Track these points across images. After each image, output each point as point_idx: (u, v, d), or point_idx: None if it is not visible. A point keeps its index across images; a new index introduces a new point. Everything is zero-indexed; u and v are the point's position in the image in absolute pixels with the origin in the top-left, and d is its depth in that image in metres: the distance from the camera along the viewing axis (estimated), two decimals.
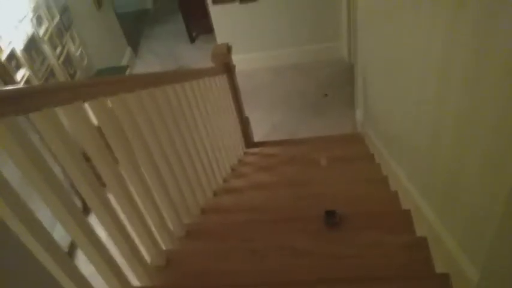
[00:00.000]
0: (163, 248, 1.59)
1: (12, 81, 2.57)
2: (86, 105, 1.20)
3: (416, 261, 1.43)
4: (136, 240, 1.39)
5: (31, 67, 2.83)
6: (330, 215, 1.69)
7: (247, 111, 3.43)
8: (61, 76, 3.29)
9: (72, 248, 2.58)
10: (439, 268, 1.35)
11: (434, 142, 1.39)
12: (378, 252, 1.49)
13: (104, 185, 1.26)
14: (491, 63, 0.91)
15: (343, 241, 1.59)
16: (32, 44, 2.90)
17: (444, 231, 1.32)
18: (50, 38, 3.19)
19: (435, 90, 1.33)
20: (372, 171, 2.43)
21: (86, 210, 1.69)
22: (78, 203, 2.24)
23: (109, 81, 1.36)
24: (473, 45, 0.99)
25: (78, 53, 3.68)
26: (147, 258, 1.47)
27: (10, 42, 2.65)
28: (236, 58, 3.13)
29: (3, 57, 2.53)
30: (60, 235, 1.73)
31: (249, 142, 3.47)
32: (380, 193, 2.08)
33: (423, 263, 1.41)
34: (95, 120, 1.26)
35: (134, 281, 1.39)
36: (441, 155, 1.32)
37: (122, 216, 1.31)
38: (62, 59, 3.32)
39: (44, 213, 1.07)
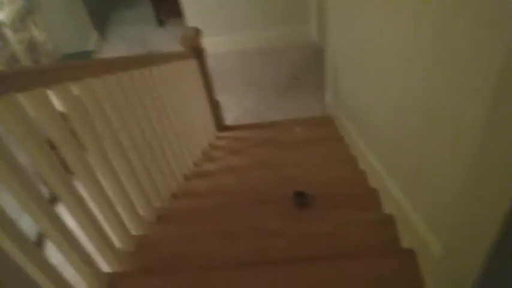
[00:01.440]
0: (134, 233, 1.58)
1: None
2: (50, 92, 1.17)
3: (384, 238, 1.47)
4: (106, 227, 1.38)
5: None
6: (299, 195, 1.72)
7: (218, 95, 3.41)
8: (25, 62, 3.18)
9: (41, 237, 2.54)
10: (406, 244, 1.39)
11: (400, 123, 1.42)
12: (348, 230, 1.53)
13: (71, 172, 1.24)
14: (453, 45, 0.94)
15: (314, 221, 1.62)
16: None
17: (410, 209, 1.37)
18: (12, 23, 3.08)
19: (400, 72, 1.36)
20: (342, 152, 2.47)
21: (54, 198, 1.67)
22: (46, 192, 2.20)
23: (73, 65, 1.33)
24: (438, 26, 1.02)
25: (42, 38, 3.57)
26: (117, 243, 1.46)
27: None
28: (206, 41, 3.09)
29: None
30: (28, 224, 1.70)
31: (220, 126, 3.46)
32: (349, 173, 2.12)
33: (391, 240, 1.45)
34: (59, 107, 1.23)
35: (105, 266, 1.38)
36: (406, 136, 1.36)
37: (91, 204, 1.30)
38: (25, 44, 3.21)
39: (10, 203, 1.05)
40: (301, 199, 1.71)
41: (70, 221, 1.19)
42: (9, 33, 3.01)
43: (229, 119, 3.66)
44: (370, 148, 1.95)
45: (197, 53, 2.91)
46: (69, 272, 1.19)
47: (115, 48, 5.04)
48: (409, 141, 1.34)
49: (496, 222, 0.53)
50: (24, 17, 3.29)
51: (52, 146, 1.14)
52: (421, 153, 1.23)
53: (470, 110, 0.87)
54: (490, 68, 0.75)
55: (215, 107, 3.35)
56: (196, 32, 2.85)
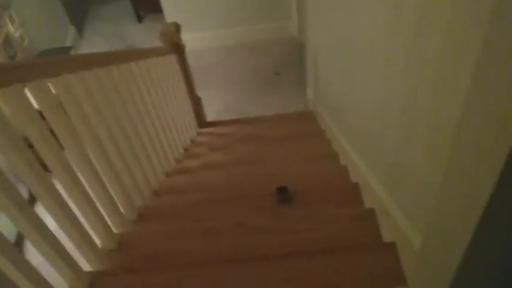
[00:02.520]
0: (115, 231, 1.57)
1: None
2: (26, 89, 1.15)
3: (365, 232, 1.49)
4: (86, 225, 1.36)
5: None
6: (282, 191, 1.72)
7: (199, 91, 3.39)
8: (0, 58, 3.11)
9: (20, 237, 2.49)
10: (387, 238, 1.41)
11: (380, 117, 1.43)
12: (330, 225, 1.54)
13: (48, 171, 1.21)
14: (431, 40, 0.95)
15: (296, 216, 1.63)
16: None
17: (391, 203, 1.38)
18: None
19: (380, 68, 1.37)
20: (324, 147, 2.49)
21: (33, 198, 1.63)
22: (25, 192, 2.16)
23: (49, 61, 1.30)
24: (417, 19, 1.02)
25: (18, 34, 3.49)
26: (98, 242, 1.44)
27: None
28: (186, 37, 3.07)
29: None
30: (6, 225, 1.66)
31: (201, 122, 3.45)
32: (331, 168, 2.14)
33: (372, 234, 1.47)
34: (36, 104, 1.21)
35: (86, 266, 1.36)
36: (387, 131, 1.37)
37: (70, 202, 1.28)
38: (0, 40, 3.13)
39: None
40: (284, 195, 1.71)
41: (49, 221, 1.17)
42: None
43: (210, 115, 3.65)
44: (351, 143, 1.96)
45: (177, 48, 2.89)
46: (49, 271, 1.17)
47: (93, 44, 4.96)
48: (389, 136, 1.35)
49: (474, 216, 0.54)
50: None
51: (29, 145, 1.12)
52: (401, 146, 1.25)
53: (448, 107, 0.88)
54: (467, 64, 0.76)
55: (196, 103, 3.33)
56: (176, 28, 2.83)
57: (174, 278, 1.32)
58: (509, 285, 0.61)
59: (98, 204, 1.44)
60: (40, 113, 1.19)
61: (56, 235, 1.18)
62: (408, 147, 1.19)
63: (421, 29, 0.99)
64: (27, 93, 1.14)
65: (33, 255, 1.17)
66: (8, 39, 3.27)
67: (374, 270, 1.26)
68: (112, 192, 1.56)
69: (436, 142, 0.98)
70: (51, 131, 1.23)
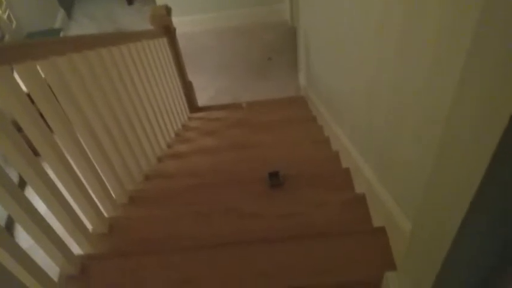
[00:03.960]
0: (106, 215, 1.56)
1: None
2: (15, 72, 1.13)
3: (356, 217, 1.50)
4: (77, 209, 1.35)
5: None
6: (273, 176, 1.73)
7: (190, 76, 3.36)
8: None
9: (10, 221, 2.48)
10: (377, 222, 1.42)
11: (371, 103, 1.43)
12: (321, 209, 1.55)
13: (38, 154, 1.20)
14: (423, 24, 0.94)
15: (288, 201, 1.64)
16: None
17: (381, 188, 1.39)
18: None
19: (372, 54, 1.36)
20: (315, 132, 2.49)
21: (23, 182, 1.62)
22: (14, 176, 2.14)
23: (38, 43, 1.28)
24: (408, 9, 1.02)
25: (5, 16, 3.42)
26: (89, 226, 1.44)
27: None
28: (177, 20, 3.03)
29: None
30: None
31: (193, 107, 3.43)
32: (322, 153, 2.15)
33: (362, 218, 1.48)
34: (24, 87, 1.19)
35: (77, 249, 1.36)
36: (377, 116, 1.37)
37: (60, 186, 1.27)
38: None
39: None
40: (275, 180, 1.72)
41: (40, 205, 1.16)
42: None
43: (202, 100, 3.63)
44: (342, 129, 1.97)
45: (167, 32, 2.86)
46: (40, 256, 1.17)
47: (82, 27, 4.89)
48: (379, 121, 1.35)
49: (464, 202, 0.55)
50: None
51: (18, 128, 1.10)
52: (392, 132, 1.25)
53: (441, 90, 0.88)
54: (457, 55, 0.76)
55: (187, 88, 3.31)
56: (167, 10, 2.80)
57: (166, 261, 1.33)
58: (500, 268, 0.62)
59: (88, 188, 1.44)
60: (29, 97, 1.17)
61: (47, 219, 1.17)
62: (398, 132, 1.19)
63: (415, 6, 0.98)
64: (16, 75, 1.12)
65: (24, 239, 1.17)
66: None
67: (363, 255, 1.28)
68: (103, 176, 1.55)
69: (427, 125, 0.98)
70: (41, 115, 1.21)
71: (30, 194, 1.16)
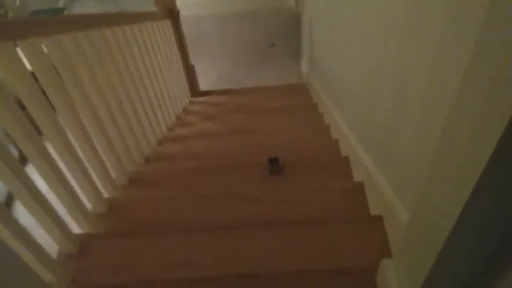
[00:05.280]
0: (105, 195, 1.57)
1: None
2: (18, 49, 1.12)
3: (354, 204, 1.51)
4: (77, 189, 1.36)
5: None
6: (273, 162, 1.73)
7: (193, 60, 3.35)
8: None
9: (10, 198, 2.49)
10: (374, 210, 1.43)
11: (372, 93, 1.43)
12: (320, 196, 1.56)
13: (41, 133, 1.20)
14: (426, 13, 0.94)
15: (287, 187, 1.64)
16: None
17: (380, 177, 1.40)
18: None
19: (375, 43, 1.35)
20: (315, 120, 2.49)
21: (24, 159, 1.62)
22: (15, 152, 2.14)
23: (42, 20, 1.27)
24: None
25: None
26: (89, 205, 1.45)
27: None
28: (181, 3, 3.01)
29: None
30: None
31: (194, 91, 3.42)
32: (322, 141, 2.15)
33: (360, 206, 1.49)
34: (28, 66, 1.19)
35: (76, 228, 1.37)
36: (378, 105, 1.37)
37: (61, 165, 1.27)
38: None
39: None
40: (275, 166, 1.72)
41: (40, 183, 1.17)
42: None
43: (204, 84, 3.62)
44: (343, 117, 1.97)
45: (171, 14, 2.84)
46: (39, 234, 1.18)
47: (86, 6, 4.85)
48: (380, 110, 1.35)
49: (466, 190, 0.55)
50: None
51: (22, 106, 1.10)
52: (392, 122, 1.25)
53: (444, 79, 0.88)
54: (461, 47, 0.76)
55: (190, 72, 3.30)
56: None
57: (164, 243, 1.34)
58: (498, 258, 0.63)
59: (89, 167, 1.44)
60: (33, 75, 1.17)
61: (47, 197, 1.18)
62: (399, 122, 1.19)
63: (416, 10, 0.98)
64: (20, 53, 1.12)
65: (23, 217, 1.17)
66: None
67: (361, 242, 1.29)
68: (103, 157, 1.56)
69: (428, 117, 0.98)
70: (44, 94, 1.21)
71: (31, 171, 1.17)
